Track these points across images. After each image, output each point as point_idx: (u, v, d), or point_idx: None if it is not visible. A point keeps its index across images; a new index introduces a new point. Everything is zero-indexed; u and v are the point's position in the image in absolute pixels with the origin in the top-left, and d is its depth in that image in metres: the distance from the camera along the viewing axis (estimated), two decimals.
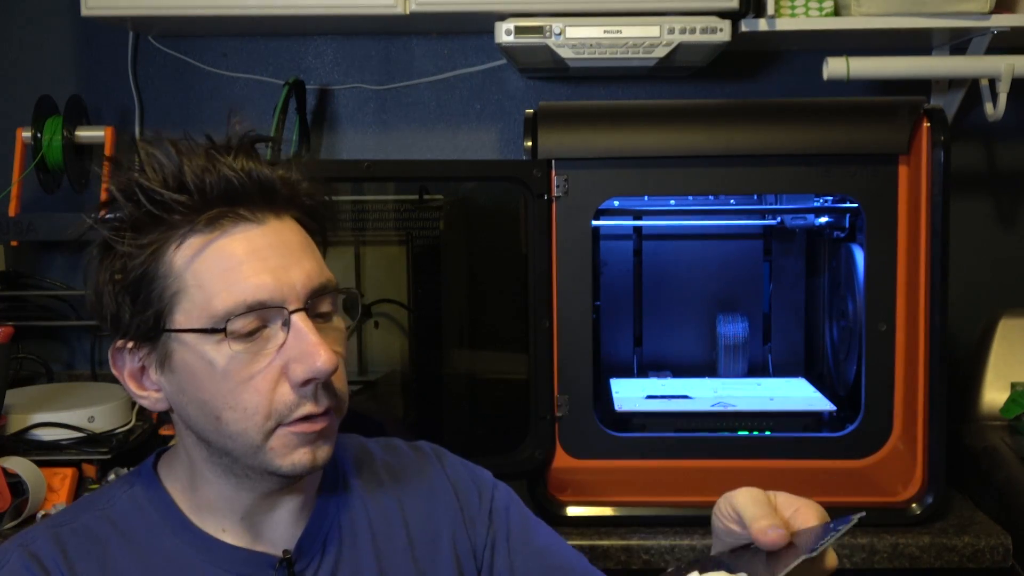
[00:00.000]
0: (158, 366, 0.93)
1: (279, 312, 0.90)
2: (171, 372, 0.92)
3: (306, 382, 0.90)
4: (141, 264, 0.90)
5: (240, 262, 0.89)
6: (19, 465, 1.62)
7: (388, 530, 1.05)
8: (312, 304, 0.92)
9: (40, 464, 1.66)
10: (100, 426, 1.78)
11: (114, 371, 0.96)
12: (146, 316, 0.91)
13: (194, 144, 0.92)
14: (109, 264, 0.92)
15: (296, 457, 0.92)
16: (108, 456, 1.72)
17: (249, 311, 0.88)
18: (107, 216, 0.92)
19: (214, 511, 0.97)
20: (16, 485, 1.61)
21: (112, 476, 1.72)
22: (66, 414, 1.76)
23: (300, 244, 0.93)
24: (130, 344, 0.94)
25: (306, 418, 0.91)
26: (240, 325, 0.89)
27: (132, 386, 0.96)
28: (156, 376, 0.94)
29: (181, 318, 0.90)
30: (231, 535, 0.97)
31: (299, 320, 0.90)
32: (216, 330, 0.89)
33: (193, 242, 0.90)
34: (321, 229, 0.99)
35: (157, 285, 0.90)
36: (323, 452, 0.94)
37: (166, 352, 0.92)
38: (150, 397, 0.95)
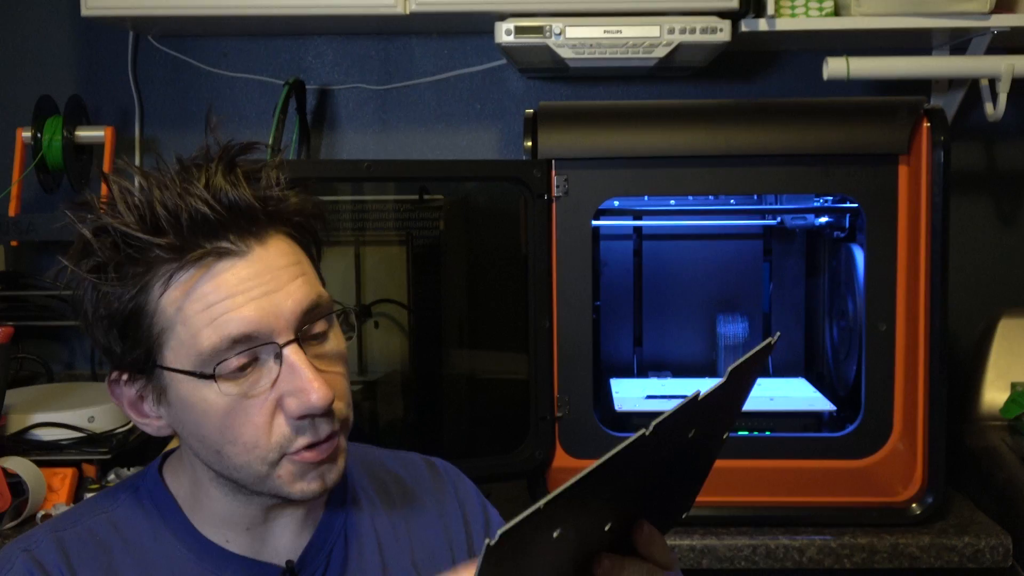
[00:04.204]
0: (155, 398, 0.92)
1: (270, 346, 0.88)
2: (168, 405, 0.92)
3: (302, 416, 0.88)
4: (128, 301, 0.88)
5: (224, 297, 0.87)
6: (19, 465, 1.62)
7: (395, 545, 1.04)
8: (305, 330, 0.90)
9: (40, 464, 1.66)
10: (100, 426, 1.78)
11: (113, 400, 0.95)
12: (137, 352, 0.90)
13: (165, 172, 0.89)
14: (94, 300, 0.90)
15: (305, 485, 0.91)
16: (108, 456, 1.72)
17: (235, 345, 0.86)
18: (85, 256, 0.89)
19: (219, 521, 0.96)
20: (16, 485, 1.60)
21: (112, 476, 1.72)
22: (66, 414, 1.76)
23: (287, 266, 0.90)
24: (125, 376, 0.93)
25: (309, 446, 0.90)
26: (229, 364, 0.87)
27: (133, 414, 0.95)
28: (155, 406, 0.93)
29: (170, 355, 0.88)
30: (235, 544, 0.96)
31: (291, 353, 0.88)
32: (205, 375, 0.87)
33: (178, 282, 0.87)
34: (313, 239, 0.96)
35: (144, 322, 0.88)
36: (333, 474, 0.92)
37: (162, 386, 0.91)
38: (152, 424, 0.94)
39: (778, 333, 0.89)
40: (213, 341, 0.86)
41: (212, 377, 0.87)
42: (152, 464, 1.01)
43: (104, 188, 0.90)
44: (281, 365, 0.88)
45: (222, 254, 0.87)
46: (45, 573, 0.91)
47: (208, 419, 0.89)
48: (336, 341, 0.94)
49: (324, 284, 0.97)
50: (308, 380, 0.87)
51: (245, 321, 0.86)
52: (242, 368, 0.87)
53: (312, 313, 0.90)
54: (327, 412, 0.89)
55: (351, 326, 0.98)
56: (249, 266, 0.88)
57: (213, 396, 0.88)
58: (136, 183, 0.89)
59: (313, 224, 0.95)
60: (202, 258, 0.87)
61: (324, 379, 0.88)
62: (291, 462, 0.90)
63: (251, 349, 0.87)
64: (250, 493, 0.94)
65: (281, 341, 0.88)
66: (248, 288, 0.87)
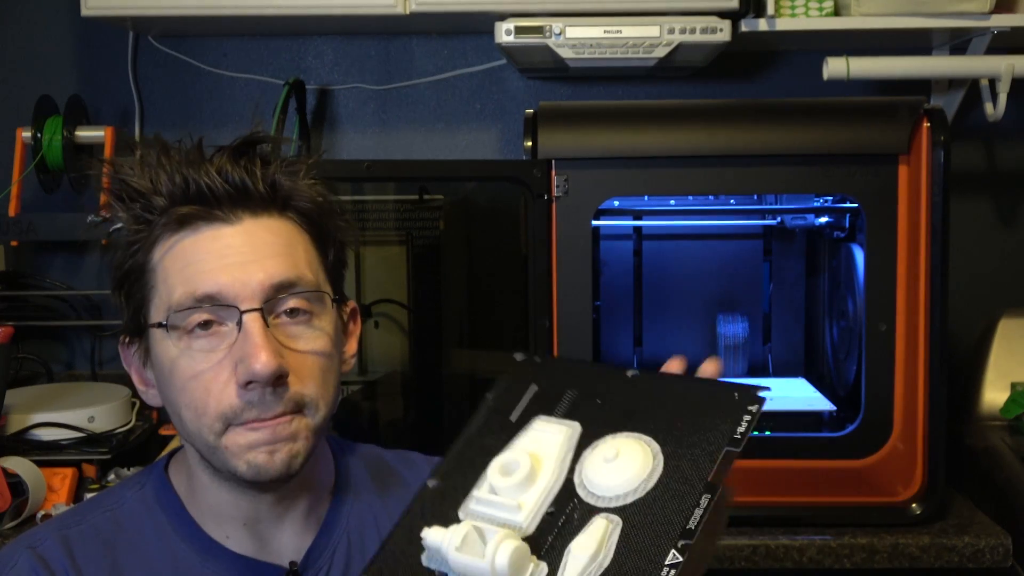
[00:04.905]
0: (146, 361, 0.95)
1: (233, 311, 0.89)
2: (152, 367, 0.94)
3: (247, 384, 0.88)
4: (128, 258, 0.92)
5: (201, 258, 0.90)
6: (19, 465, 1.62)
7: None
8: (273, 304, 0.90)
9: (40, 464, 1.66)
10: (100, 426, 1.78)
11: (124, 365, 0.98)
12: (132, 311, 0.94)
13: (185, 148, 0.93)
14: (110, 260, 0.95)
15: (251, 457, 0.89)
16: (108, 456, 1.72)
17: (198, 303, 0.88)
18: (108, 215, 0.94)
19: (216, 517, 0.96)
20: (16, 485, 1.60)
21: (112, 476, 1.72)
22: (66, 414, 1.76)
23: (273, 243, 0.92)
24: (127, 339, 0.96)
25: (257, 422, 0.89)
26: (185, 319, 0.89)
27: (137, 382, 0.97)
28: (148, 371, 0.95)
29: (152, 313, 0.92)
30: (235, 542, 0.96)
31: (249, 320, 0.88)
32: (162, 324, 0.90)
33: (167, 240, 0.91)
34: (320, 231, 0.97)
35: (140, 280, 0.92)
36: (282, 456, 0.90)
37: (147, 347, 0.93)
38: (148, 393, 0.97)
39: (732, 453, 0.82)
40: (180, 299, 0.89)
41: (167, 327, 0.89)
42: (158, 462, 1.01)
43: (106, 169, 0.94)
44: (240, 331, 0.89)
45: (211, 219, 0.91)
46: (49, 570, 0.91)
47: (170, 377, 0.91)
48: (321, 327, 0.93)
49: (335, 278, 0.98)
50: (256, 346, 0.87)
51: (214, 283, 0.89)
52: (204, 326, 0.89)
53: (285, 289, 0.91)
54: (277, 386, 0.88)
55: (342, 316, 0.98)
56: (234, 235, 0.91)
57: (173, 352, 0.90)
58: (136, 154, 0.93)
59: (325, 220, 0.97)
60: (191, 218, 0.90)
61: (279, 352, 0.88)
62: (237, 432, 0.89)
63: (214, 308, 0.89)
64: (224, 478, 0.93)
65: (243, 308, 0.89)
66: (226, 254, 0.90)
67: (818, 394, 1.90)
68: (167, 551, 0.95)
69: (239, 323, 0.89)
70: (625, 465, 0.76)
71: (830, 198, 1.87)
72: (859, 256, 1.76)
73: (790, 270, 2.11)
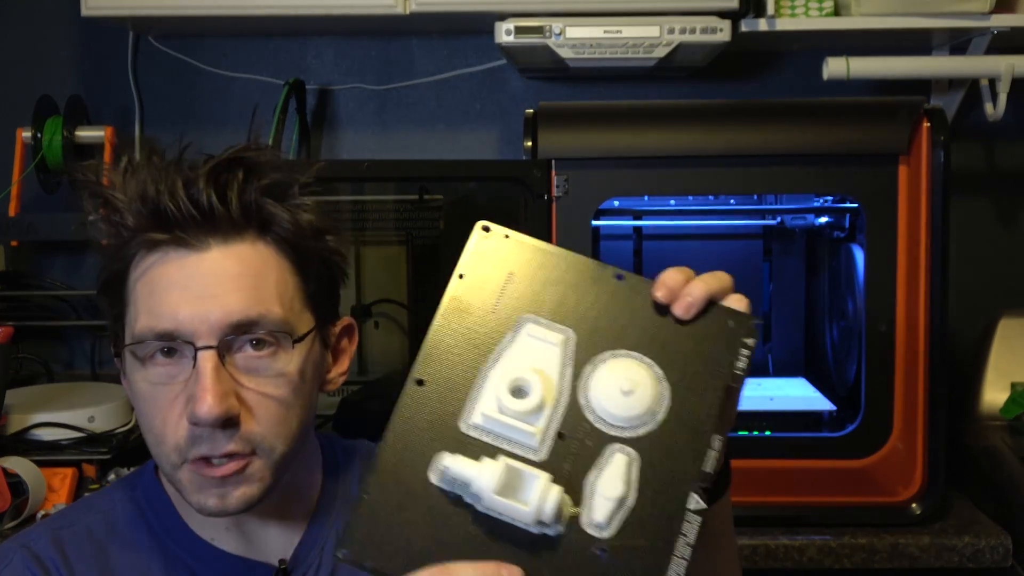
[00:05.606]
0: (124, 373, 0.94)
1: (188, 346, 0.87)
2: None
3: (193, 423, 0.86)
4: (110, 267, 0.91)
5: (164, 289, 0.87)
6: (19, 465, 1.62)
7: None
8: (231, 341, 0.87)
9: (40, 464, 1.65)
10: (100, 426, 1.78)
11: (116, 364, 0.98)
12: (112, 320, 0.93)
13: (166, 161, 0.90)
14: (97, 271, 0.94)
15: (202, 499, 0.89)
16: (108, 456, 1.72)
17: (158, 336, 0.87)
18: (94, 220, 0.92)
19: (203, 519, 0.96)
20: (16, 485, 1.60)
21: (112, 476, 1.72)
22: (66, 414, 1.76)
23: (238, 275, 0.88)
24: (113, 350, 0.95)
25: (208, 459, 0.88)
26: (144, 351, 0.88)
27: (123, 382, 0.96)
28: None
29: (126, 331, 0.91)
30: (223, 543, 0.96)
31: (203, 358, 0.86)
32: (117, 354, 0.90)
33: (140, 261, 0.89)
34: (302, 255, 0.93)
35: (117, 292, 0.91)
36: (233, 501, 0.88)
37: (124, 361, 0.93)
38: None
39: None
40: (143, 329, 0.88)
41: (120, 355, 0.90)
42: (148, 464, 1.01)
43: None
44: (195, 368, 0.87)
45: (179, 244, 0.88)
46: (43, 569, 0.92)
47: (136, 402, 0.91)
48: (282, 365, 0.90)
49: (320, 302, 0.95)
50: (202, 389, 0.85)
51: (172, 319, 0.87)
52: (166, 353, 0.88)
53: (244, 328, 0.88)
54: (226, 427, 0.86)
55: (326, 340, 0.96)
56: (200, 264, 0.88)
57: (137, 378, 0.89)
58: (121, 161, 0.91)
59: (309, 243, 0.93)
60: (159, 244, 0.88)
61: (229, 394, 0.86)
62: (190, 470, 0.88)
63: (171, 342, 0.87)
64: None
65: (199, 344, 0.86)
66: (188, 286, 0.87)
67: (818, 394, 1.90)
68: (158, 552, 0.95)
69: (195, 359, 0.87)
70: (640, 397, 0.75)
71: (830, 198, 1.87)
72: (859, 256, 1.76)
73: (790, 270, 2.11)
